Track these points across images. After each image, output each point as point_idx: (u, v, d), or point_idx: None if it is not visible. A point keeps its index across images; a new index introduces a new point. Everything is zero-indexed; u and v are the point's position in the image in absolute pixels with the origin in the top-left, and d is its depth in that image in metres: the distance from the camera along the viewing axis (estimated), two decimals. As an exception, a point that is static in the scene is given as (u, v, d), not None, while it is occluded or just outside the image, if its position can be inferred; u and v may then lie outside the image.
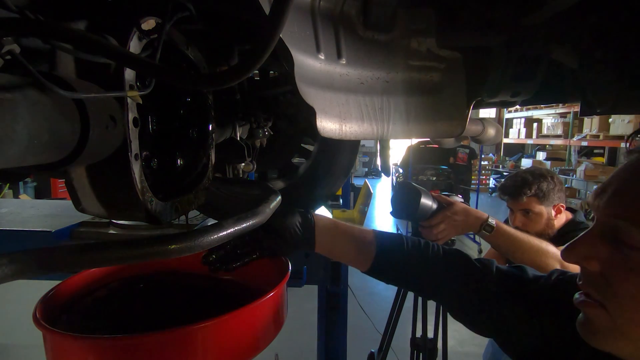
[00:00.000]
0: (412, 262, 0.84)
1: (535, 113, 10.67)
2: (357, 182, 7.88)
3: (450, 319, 1.14)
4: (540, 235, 1.67)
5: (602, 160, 9.58)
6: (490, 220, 1.31)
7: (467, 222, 1.30)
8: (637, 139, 0.50)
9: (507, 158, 13.45)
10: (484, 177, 11.73)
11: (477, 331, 0.80)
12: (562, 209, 1.77)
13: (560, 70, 1.16)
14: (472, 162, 8.46)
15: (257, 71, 1.42)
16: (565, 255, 0.50)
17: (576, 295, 0.50)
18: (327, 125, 0.83)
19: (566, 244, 0.50)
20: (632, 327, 0.44)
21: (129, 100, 0.60)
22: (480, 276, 0.78)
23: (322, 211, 1.83)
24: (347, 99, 0.90)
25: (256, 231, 0.76)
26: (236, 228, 0.66)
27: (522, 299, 0.71)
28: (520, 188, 1.71)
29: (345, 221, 1.67)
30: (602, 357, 0.49)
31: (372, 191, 5.55)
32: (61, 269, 0.50)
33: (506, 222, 1.68)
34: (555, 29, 0.97)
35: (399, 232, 7.14)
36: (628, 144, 0.51)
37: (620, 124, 7.93)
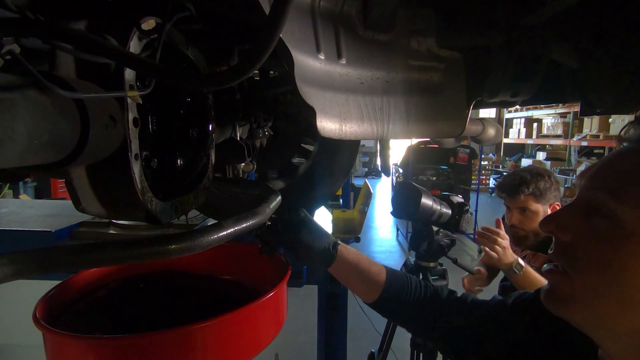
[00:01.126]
0: (412, 304, 0.88)
1: (535, 113, 10.67)
2: (357, 182, 7.88)
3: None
4: (536, 233, 1.69)
5: (602, 160, 9.54)
6: (520, 261, 1.44)
7: (506, 255, 1.45)
8: (629, 131, 0.51)
9: (507, 158, 13.45)
10: (484, 177, 11.73)
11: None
12: (557, 207, 1.78)
13: (560, 70, 1.16)
14: (472, 162, 8.45)
15: (257, 71, 1.42)
16: (542, 225, 0.52)
17: (545, 266, 0.54)
18: (327, 125, 0.83)
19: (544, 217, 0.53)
20: (591, 293, 0.47)
21: (129, 100, 0.60)
22: (459, 310, 0.85)
23: (322, 211, 1.83)
24: (347, 99, 0.90)
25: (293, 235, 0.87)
26: (236, 228, 0.66)
27: (498, 327, 0.76)
28: (518, 187, 1.73)
29: (345, 221, 1.68)
30: None
31: (372, 191, 5.54)
32: (61, 269, 0.50)
33: (503, 219, 1.72)
34: (555, 29, 0.97)
35: (399, 231, 7.13)
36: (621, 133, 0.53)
37: (620, 124, 7.92)
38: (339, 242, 0.93)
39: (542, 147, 11.58)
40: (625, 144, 0.50)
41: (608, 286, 0.45)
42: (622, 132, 0.51)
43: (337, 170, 1.56)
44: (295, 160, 1.67)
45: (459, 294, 0.90)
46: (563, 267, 0.50)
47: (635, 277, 0.44)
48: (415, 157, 7.87)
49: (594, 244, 0.47)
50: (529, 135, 11.17)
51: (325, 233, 0.94)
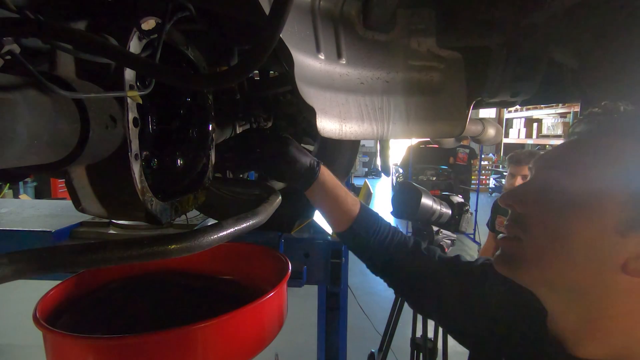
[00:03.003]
0: (378, 240, 0.92)
1: (535, 113, 10.66)
2: (357, 182, 7.88)
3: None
4: None
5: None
6: None
7: None
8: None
9: (507, 158, 13.43)
10: (484, 177, 11.72)
11: (419, 310, 0.92)
12: None
13: (560, 70, 1.16)
14: (472, 162, 8.45)
15: (257, 71, 1.42)
16: (502, 199, 0.59)
17: (499, 235, 0.59)
18: (327, 125, 0.83)
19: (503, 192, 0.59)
20: (538, 256, 0.53)
21: (129, 100, 0.60)
22: (426, 258, 0.90)
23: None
24: (347, 98, 0.90)
25: (275, 151, 0.85)
26: (236, 228, 0.66)
27: (456, 278, 0.83)
28: (526, 157, 1.96)
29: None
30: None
31: (372, 191, 5.55)
32: (61, 269, 0.50)
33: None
34: (555, 29, 0.97)
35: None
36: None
37: (620, 124, 7.92)
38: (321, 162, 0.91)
39: (542, 147, 11.56)
40: (575, 137, 0.57)
41: (554, 249, 0.52)
42: (572, 127, 0.58)
43: (337, 170, 1.56)
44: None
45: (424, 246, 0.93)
46: (515, 234, 0.56)
47: (577, 242, 0.50)
48: (415, 157, 7.87)
49: (545, 214, 0.53)
50: (529, 135, 11.16)
51: (308, 153, 0.93)
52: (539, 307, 0.60)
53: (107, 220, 1.65)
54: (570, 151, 0.55)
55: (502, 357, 0.65)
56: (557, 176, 0.53)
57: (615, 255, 0.48)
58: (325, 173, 0.89)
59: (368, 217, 0.92)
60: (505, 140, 12.26)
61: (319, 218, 1.74)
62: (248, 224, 0.70)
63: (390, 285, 0.98)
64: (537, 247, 0.53)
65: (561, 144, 0.58)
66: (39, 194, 7.25)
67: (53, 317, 0.82)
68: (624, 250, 0.47)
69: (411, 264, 0.90)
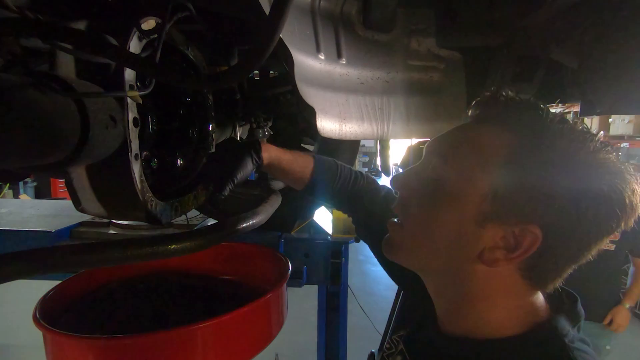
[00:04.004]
0: (340, 185, 0.93)
1: (535, 113, 10.65)
2: (357, 182, 7.85)
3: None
4: None
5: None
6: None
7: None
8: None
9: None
10: (484, 177, 11.68)
11: (375, 254, 0.91)
12: None
13: (560, 70, 1.16)
14: (472, 162, 8.43)
15: (257, 71, 1.42)
16: (391, 182, 0.61)
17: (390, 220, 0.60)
18: (327, 125, 0.83)
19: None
20: (412, 242, 0.54)
21: (129, 100, 0.60)
22: (381, 200, 0.91)
23: (322, 211, 1.83)
24: (347, 98, 0.90)
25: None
26: (236, 228, 0.66)
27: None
28: None
29: (345, 221, 1.68)
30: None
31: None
32: (61, 269, 0.50)
33: None
34: (555, 29, 0.97)
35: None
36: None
37: (620, 124, 7.92)
38: (261, 143, 0.87)
39: (542, 147, 11.54)
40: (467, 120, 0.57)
41: (424, 236, 0.53)
42: (469, 111, 0.57)
43: (337, 170, 1.56)
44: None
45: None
46: (399, 219, 0.57)
47: (441, 230, 0.51)
48: (415, 157, 7.87)
49: (420, 200, 0.54)
50: (529, 135, 11.13)
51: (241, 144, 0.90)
52: None
53: (107, 220, 1.65)
54: (451, 137, 0.55)
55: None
56: (435, 162, 0.54)
57: (473, 245, 0.49)
58: (268, 158, 0.86)
59: (323, 172, 0.92)
60: (505, 140, 12.24)
61: (319, 218, 1.74)
62: (248, 224, 0.70)
63: (354, 224, 1.01)
64: (411, 234, 0.54)
65: (450, 129, 0.57)
66: (39, 194, 7.24)
67: (53, 317, 0.82)
68: (480, 240, 0.49)
69: (370, 205, 0.92)
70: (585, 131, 0.47)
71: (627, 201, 0.44)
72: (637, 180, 0.46)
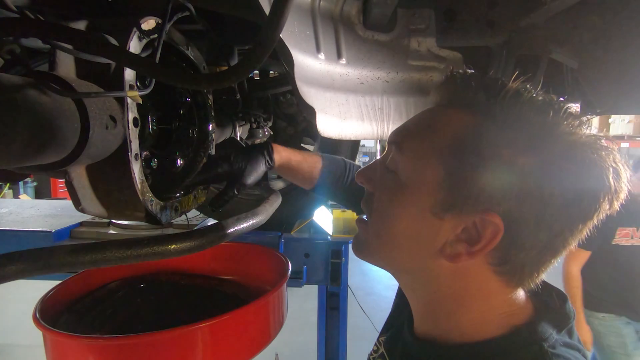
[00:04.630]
0: (348, 182, 0.92)
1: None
2: (357, 182, 7.84)
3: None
4: None
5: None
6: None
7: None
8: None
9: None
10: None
11: None
12: None
13: (560, 70, 1.16)
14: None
15: (257, 71, 1.42)
16: (357, 176, 0.57)
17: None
18: (327, 125, 0.83)
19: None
20: (376, 239, 0.51)
21: (129, 100, 0.60)
22: None
23: (322, 211, 1.83)
24: (347, 98, 0.90)
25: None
26: (236, 228, 0.66)
27: None
28: None
29: (345, 221, 1.68)
30: None
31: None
32: (61, 269, 0.50)
33: None
34: (555, 29, 0.97)
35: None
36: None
37: (620, 124, 7.93)
38: (272, 145, 0.87)
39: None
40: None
41: (386, 232, 0.49)
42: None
43: (337, 170, 1.56)
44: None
45: None
46: (366, 216, 0.54)
47: (401, 224, 0.47)
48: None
49: (380, 194, 0.51)
50: (529, 135, 11.14)
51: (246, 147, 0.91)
52: None
53: (107, 220, 1.65)
54: (408, 125, 0.51)
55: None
56: (393, 153, 0.50)
57: (433, 239, 0.45)
58: (279, 159, 0.86)
59: (332, 171, 0.91)
60: (505, 140, 12.24)
61: (319, 218, 1.74)
62: (248, 224, 0.70)
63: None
64: (375, 231, 0.51)
65: (413, 116, 0.53)
66: (39, 194, 7.24)
67: (53, 317, 0.82)
68: (440, 233, 0.45)
69: None
70: (547, 101, 0.42)
71: (605, 181, 0.39)
72: (613, 153, 0.40)
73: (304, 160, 0.89)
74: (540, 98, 0.42)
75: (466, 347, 0.46)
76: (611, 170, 0.40)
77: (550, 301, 0.49)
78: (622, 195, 0.41)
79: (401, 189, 0.47)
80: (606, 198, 0.40)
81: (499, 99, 0.42)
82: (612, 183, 0.39)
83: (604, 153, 0.40)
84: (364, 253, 0.54)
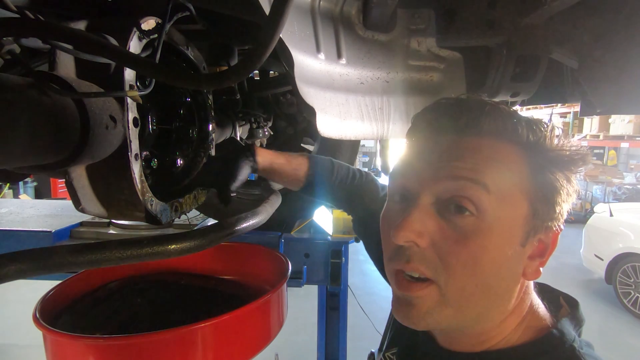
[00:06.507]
0: (338, 182, 0.92)
1: (535, 113, 10.66)
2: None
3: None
4: None
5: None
6: None
7: None
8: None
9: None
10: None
11: (367, 251, 0.90)
12: None
13: (560, 70, 1.16)
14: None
15: (257, 71, 1.42)
16: (399, 237, 0.46)
17: (398, 279, 0.48)
18: (327, 125, 0.83)
19: (396, 225, 0.47)
20: (460, 295, 0.45)
21: (129, 100, 0.60)
22: (380, 200, 0.89)
23: (322, 211, 1.83)
24: (347, 98, 0.90)
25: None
26: (236, 228, 0.66)
27: None
28: None
29: (345, 221, 1.67)
30: None
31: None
32: (61, 269, 0.50)
33: None
34: (555, 29, 0.97)
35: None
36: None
37: (620, 124, 7.92)
38: (255, 148, 0.87)
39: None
40: (449, 134, 0.48)
41: (476, 284, 0.44)
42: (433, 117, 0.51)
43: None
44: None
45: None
46: (427, 276, 0.46)
47: (495, 269, 0.44)
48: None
49: (462, 246, 0.44)
50: (529, 135, 11.13)
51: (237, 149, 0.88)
52: None
53: (107, 220, 1.65)
54: (477, 162, 0.45)
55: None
56: (475, 192, 0.44)
57: (520, 268, 0.47)
58: (261, 162, 0.86)
59: (318, 172, 0.91)
60: (505, 140, 12.23)
61: (319, 218, 1.74)
62: (248, 224, 0.70)
63: (353, 222, 1.00)
64: (459, 287, 0.45)
65: (444, 148, 0.47)
66: (39, 194, 7.24)
67: (53, 317, 0.82)
68: (523, 259, 0.47)
69: (371, 204, 0.89)
70: (537, 121, 0.49)
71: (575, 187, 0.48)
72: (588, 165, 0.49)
73: (287, 163, 0.89)
74: (539, 120, 0.49)
75: (503, 353, 0.48)
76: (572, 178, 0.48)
77: (559, 304, 0.53)
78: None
79: (490, 232, 0.44)
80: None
81: (532, 133, 0.47)
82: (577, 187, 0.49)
83: (584, 167, 0.48)
84: (439, 316, 0.46)
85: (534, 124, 0.48)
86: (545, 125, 0.48)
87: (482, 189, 0.44)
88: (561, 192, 0.47)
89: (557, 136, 0.48)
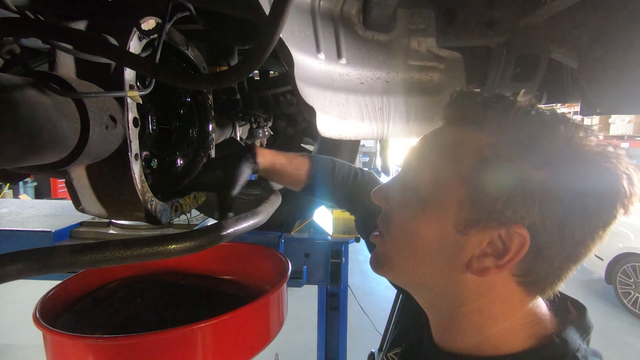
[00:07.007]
0: (340, 181, 0.92)
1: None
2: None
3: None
4: None
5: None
6: None
7: None
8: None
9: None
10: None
11: (369, 248, 0.89)
12: None
13: (560, 70, 1.16)
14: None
15: (257, 71, 1.42)
16: (373, 195, 0.57)
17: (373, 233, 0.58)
18: (327, 125, 0.83)
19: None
20: (396, 255, 0.52)
21: (129, 100, 0.60)
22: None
23: (322, 211, 1.83)
24: (347, 98, 0.90)
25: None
26: (236, 228, 0.66)
27: None
28: None
29: (345, 221, 1.68)
30: None
31: (372, 191, 5.52)
32: (61, 269, 0.50)
33: None
34: (555, 29, 0.97)
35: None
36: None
37: (620, 124, 7.93)
38: (255, 149, 0.87)
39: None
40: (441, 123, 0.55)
41: (407, 249, 0.50)
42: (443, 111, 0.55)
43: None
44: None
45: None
46: (382, 232, 0.55)
47: (423, 242, 0.49)
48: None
49: (400, 211, 0.52)
50: (529, 135, 11.13)
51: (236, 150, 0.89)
52: None
53: (107, 220, 1.65)
54: (426, 142, 0.53)
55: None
56: (413, 170, 0.51)
57: (458, 254, 0.46)
58: (262, 163, 0.86)
59: (319, 171, 0.91)
60: (505, 140, 12.24)
61: (319, 218, 1.74)
62: (248, 224, 0.70)
63: (355, 222, 0.99)
64: (395, 247, 0.52)
65: (426, 133, 0.55)
66: (39, 194, 7.25)
67: (53, 317, 0.82)
68: (465, 248, 0.46)
69: (372, 204, 0.89)
70: (555, 116, 0.44)
71: (620, 187, 0.41)
72: (624, 159, 0.42)
73: (288, 163, 0.88)
74: (548, 113, 0.44)
75: (508, 358, 0.47)
76: (624, 176, 0.41)
77: (568, 310, 0.51)
78: (635, 199, 0.42)
79: (423, 206, 0.49)
80: (622, 203, 0.41)
81: (510, 117, 0.45)
82: (627, 188, 0.41)
83: (615, 160, 0.41)
84: (384, 268, 0.54)
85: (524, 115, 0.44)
86: (551, 119, 0.44)
87: (426, 168, 0.50)
88: (530, 194, 0.42)
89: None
